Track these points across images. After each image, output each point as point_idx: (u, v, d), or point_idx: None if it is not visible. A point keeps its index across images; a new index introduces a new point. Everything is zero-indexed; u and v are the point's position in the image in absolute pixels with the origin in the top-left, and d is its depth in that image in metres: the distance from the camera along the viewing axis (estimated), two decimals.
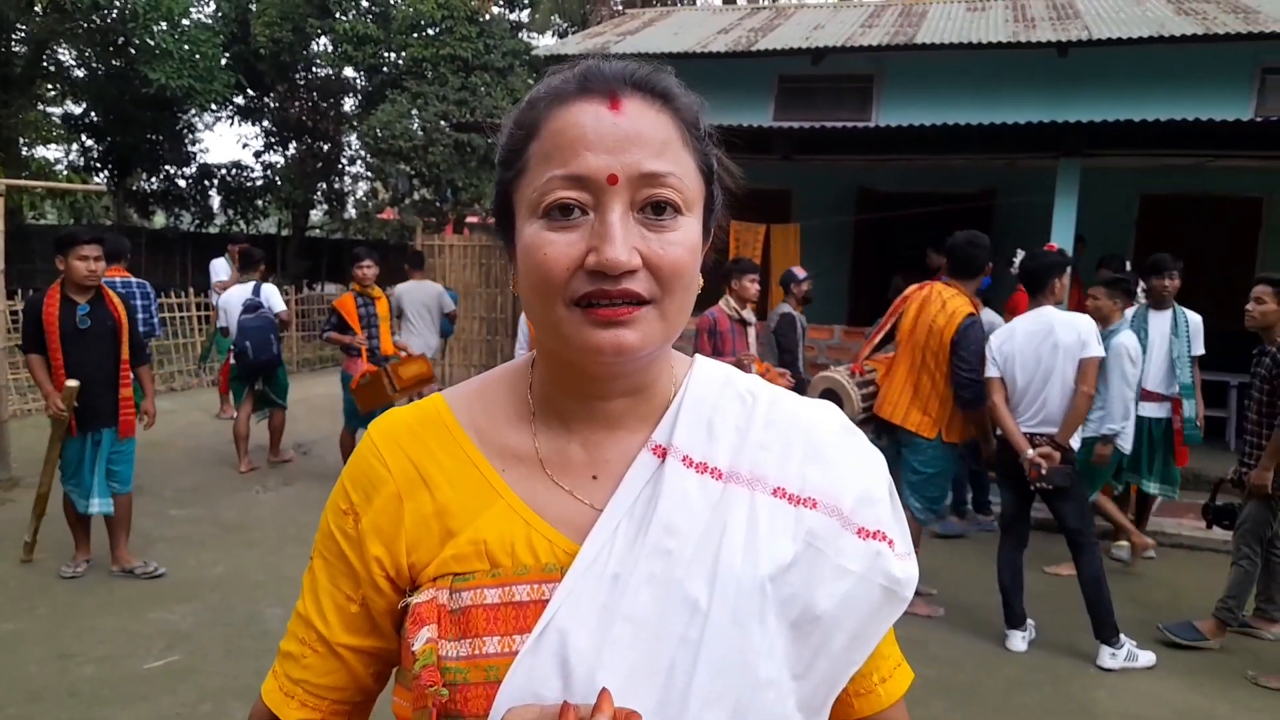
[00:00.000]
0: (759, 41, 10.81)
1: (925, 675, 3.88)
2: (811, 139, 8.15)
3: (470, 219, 18.72)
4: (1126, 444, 4.99)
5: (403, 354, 6.85)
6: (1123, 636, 4.20)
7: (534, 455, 0.84)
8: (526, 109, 0.80)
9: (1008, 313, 8.50)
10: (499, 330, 11.00)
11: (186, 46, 14.79)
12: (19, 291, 8.65)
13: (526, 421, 0.86)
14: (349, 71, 19.47)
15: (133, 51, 15.17)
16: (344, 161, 22.02)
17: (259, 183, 21.04)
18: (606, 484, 0.82)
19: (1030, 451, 4.17)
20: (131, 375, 4.86)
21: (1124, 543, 5.74)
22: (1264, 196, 9.35)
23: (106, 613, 4.39)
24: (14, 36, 15.50)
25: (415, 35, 16.53)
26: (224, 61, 16.31)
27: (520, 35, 19.10)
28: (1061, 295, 4.47)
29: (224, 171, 20.67)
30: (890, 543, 0.84)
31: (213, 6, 18.26)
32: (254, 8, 17.72)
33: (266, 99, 20.43)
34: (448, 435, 0.85)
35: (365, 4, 18.22)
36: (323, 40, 18.66)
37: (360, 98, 20.14)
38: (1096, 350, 4.24)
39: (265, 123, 20.81)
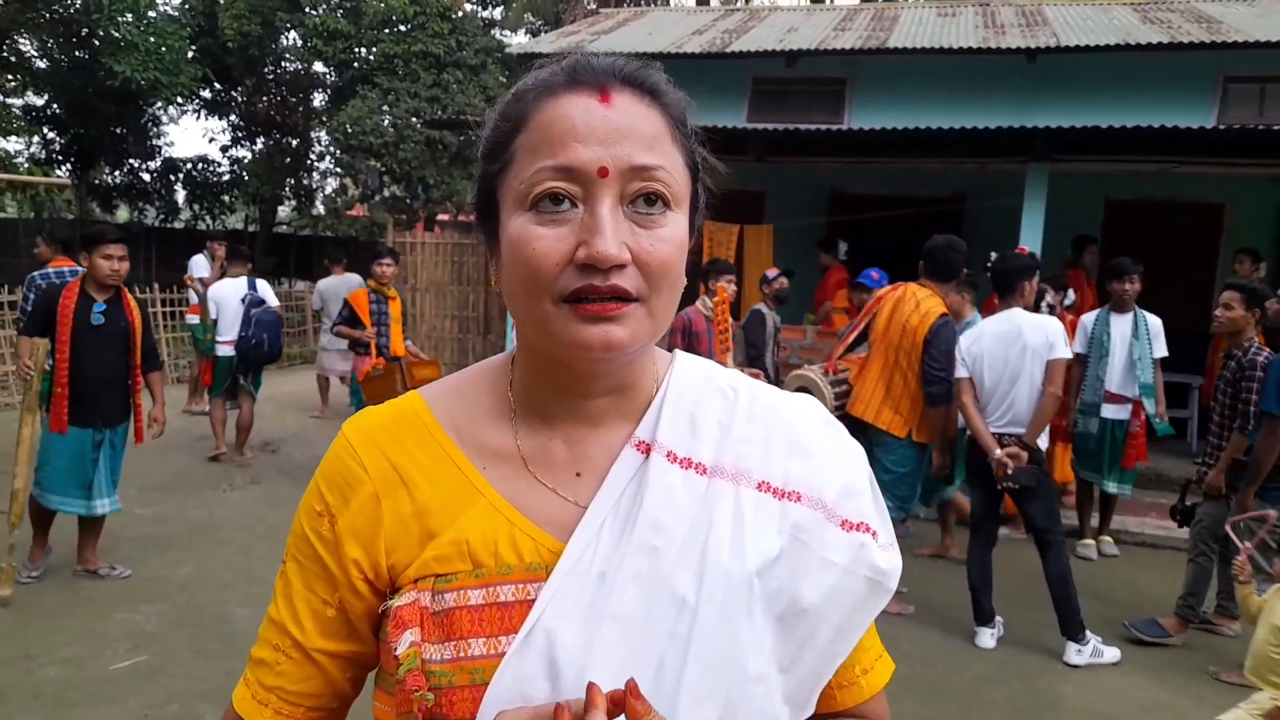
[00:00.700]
0: (733, 43, 10.85)
1: (896, 672, 3.88)
2: (785, 141, 8.20)
3: (441, 216, 18.61)
4: None
5: (414, 356, 6.82)
6: (1088, 633, 4.27)
7: (516, 453, 0.82)
8: (513, 101, 0.79)
9: (984, 313, 8.66)
10: (471, 328, 10.94)
11: (152, 39, 14.57)
12: None
13: (507, 419, 0.84)
14: (319, 66, 19.28)
15: (96, 43, 14.91)
16: (313, 157, 21.81)
17: (225, 178, 20.77)
18: (590, 481, 0.81)
19: (998, 451, 4.23)
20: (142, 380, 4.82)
21: (1089, 541, 5.85)
22: (1226, 202, 9.55)
23: (70, 613, 4.31)
24: None
25: (387, 31, 16.42)
26: (191, 54, 16.10)
27: (493, 33, 19.04)
28: (1030, 298, 4.54)
29: (190, 166, 20.37)
30: (874, 534, 0.84)
31: None
32: (221, 0, 17.48)
33: (234, 93, 20.18)
34: (426, 434, 0.83)
35: None
36: (292, 34, 18.47)
37: (330, 93, 19.94)
38: (1064, 352, 4.31)
39: (232, 117, 20.55)
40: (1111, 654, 4.28)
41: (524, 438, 0.83)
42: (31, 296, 6.49)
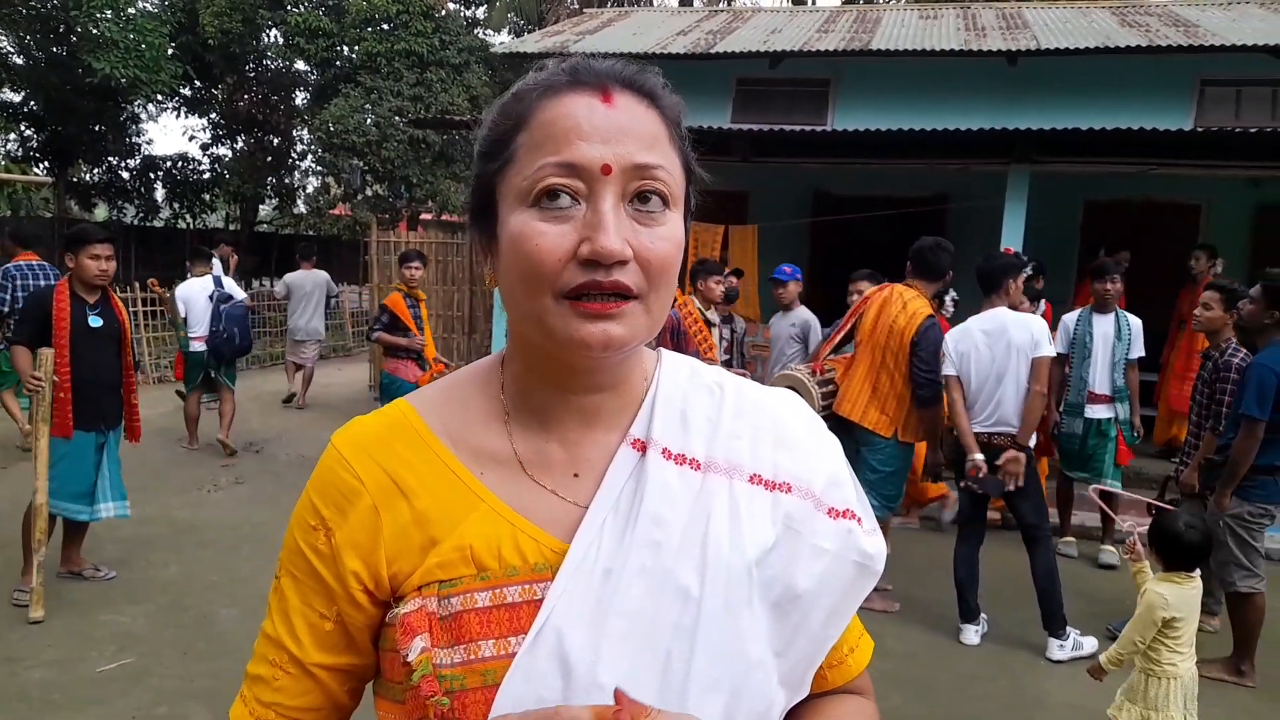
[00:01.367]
0: (717, 44, 10.89)
1: (883, 669, 3.96)
2: (769, 141, 8.25)
3: (424, 216, 18.54)
4: None
5: (440, 363, 6.74)
6: (1068, 627, 4.34)
7: (512, 456, 0.83)
8: (513, 101, 0.80)
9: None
10: (456, 328, 10.91)
11: (132, 35, 14.42)
12: None
13: (501, 422, 0.84)
14: (301, 65, 19.15)
15: (75, 39, 14.74)
16: (295, 156, 21.66)
17: (206, 176, 20.59)
18: (588, 481, 0.82)
19: (977, 455, 4.29)
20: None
21: (1070, 539, 5.92)
22: (1202, 204, 9.68)
23: (55, 615, 4.26)
24: None
25: (369, 29, 16.33)
26: (171, 52, 15.92)
27: (476, 32, 18.99)
28: (1017, 296, 4.59)
29: (169, 164, 20.17)
30: (859, 520, 0.87)
31: None
32: None
33: (214, 91, 20.02)
34: (419, 441, 0.83)
35: None
36: (274, 32, 18.33)
37: (312, 91, 19.81)
38: (1048, 350, 4.36)
39: (213, 115, 20.37)
40: (1090, 644, 4.34)
41: (519, 440, 0.83)
42: (9, 287, 6.59)
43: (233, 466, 7.28)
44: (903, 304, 4.57)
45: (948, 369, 4.48)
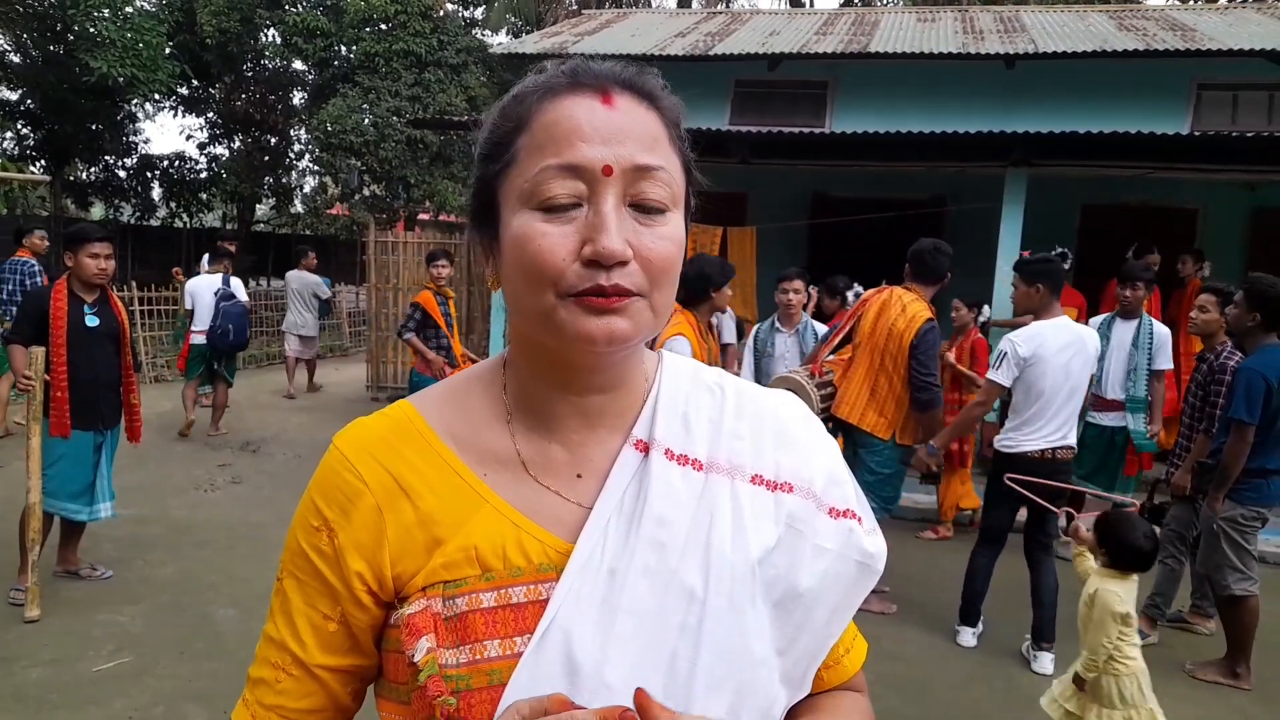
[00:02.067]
0: (716, 46, 10.90)
1: (880, 671, 3.96)
2: (767, 143, 8.25)
3: (422, 216, 18.53)
4: None
5: (468, 358, 6.73)
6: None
7: (515, 458, 0.83)
8: (513, 103, 0.80)
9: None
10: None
11: (129, 34, 14.39)
12: None
13: (503, 423, 0.85)
14: (298, 64, 19.14)
15: (72, 38, 14.70)
16: (292, 156, 21.63)
17: (203, 175, 20.54)
18: (591, 482, 0.82)
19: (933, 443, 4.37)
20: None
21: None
22: (1199, 207, 9.71)
23: (52, 615, 4.26)
24: None
25: (367, 30, 16.32)
26: (168, 51, 15.89)
27: (474, 33, 18.98)
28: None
29: (166, 163, 20.13)
30: (859, 520, 0.88)
31: None
32: None
33: (212, 90, 19.98)
34: (423, 442, 0.83)
35: None
36: (271, 32, 18.31)
37: (310, 91, 19.80)
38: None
39: (210, 114, 20.34)
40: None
41: (522, 441, 0.84)
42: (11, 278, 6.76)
43: (230, 466, 7.27)
44: (902, 307, 4.57)
45: (1000, 377, 4.27)
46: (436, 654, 0.74)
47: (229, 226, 22.02)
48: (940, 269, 4.65)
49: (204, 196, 20.90)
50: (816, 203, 10.26)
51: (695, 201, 0.86)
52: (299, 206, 23.32)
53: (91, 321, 4.51)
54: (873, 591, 1.02)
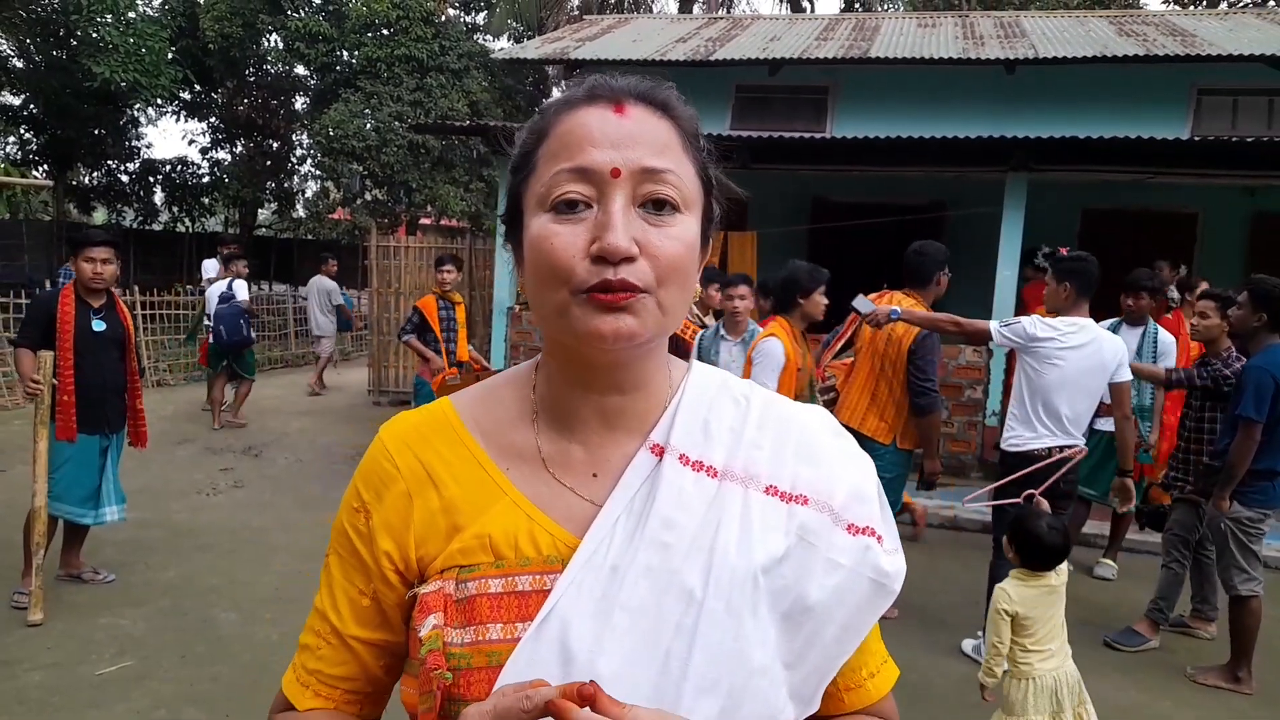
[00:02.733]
0: (717, 51, 10.93)
1: None
2: (768, 148, 8.28)
3: (423, 220, 18.56)
4: None
5: (476, 362, 6.76)
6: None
7: (537, 454, 0.87)
8: (538, 118, 0.85)
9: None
10: None
11: (132, 40, 14.44)
12: None
13: (529, 421, 0.89)
14: (300, 69, 19.18)
15: (75, 43, 14.75)
16: (294, 160, 21.67)
17: (205, 180, 20.60)
18: (606, 481, 0.85)
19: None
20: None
21: (1109, 561, 5.81)
22: (1199, 212, 9.73)
23: (53, 618, 4.26)
24: None
25: (369, 35, 16.36)
26: (171, 56, 15.95)
27: (476, 38, 19.02)
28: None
29: (169, 168, 20.19)
30: (879, 538, 0.87)
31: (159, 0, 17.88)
32: (202, 2, 17.36)
33: (214, 95, 20.03)
34: (454, 436, 0.89)
35: (318, 1, 17.97)
36: (274, 37, 18.35)
37: (312, 96, 19.85)
38: (1127, 374, 4.27)
39: (213, 119, 20.39)
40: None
41: (544, 439, 0.88)
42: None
43: (232, 470, 7.29)
44: None
45: (995, 332, 4.26)
46: (443, 632, 0.79)
47: (231, 231, 22.08)
48: (924, 270, 4.58)
49: (206, 201, 20.98)
50: (817, 207, 10.29)
51: (720, 209, 0.90)
52: (301, 211, 23.38)
53: (98, 326, 4.53)
54: None
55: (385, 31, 16.36)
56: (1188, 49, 9.60)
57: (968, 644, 4.47)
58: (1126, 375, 4.25)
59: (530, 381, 0.92)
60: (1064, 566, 3.19)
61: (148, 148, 20.54)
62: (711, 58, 10.64)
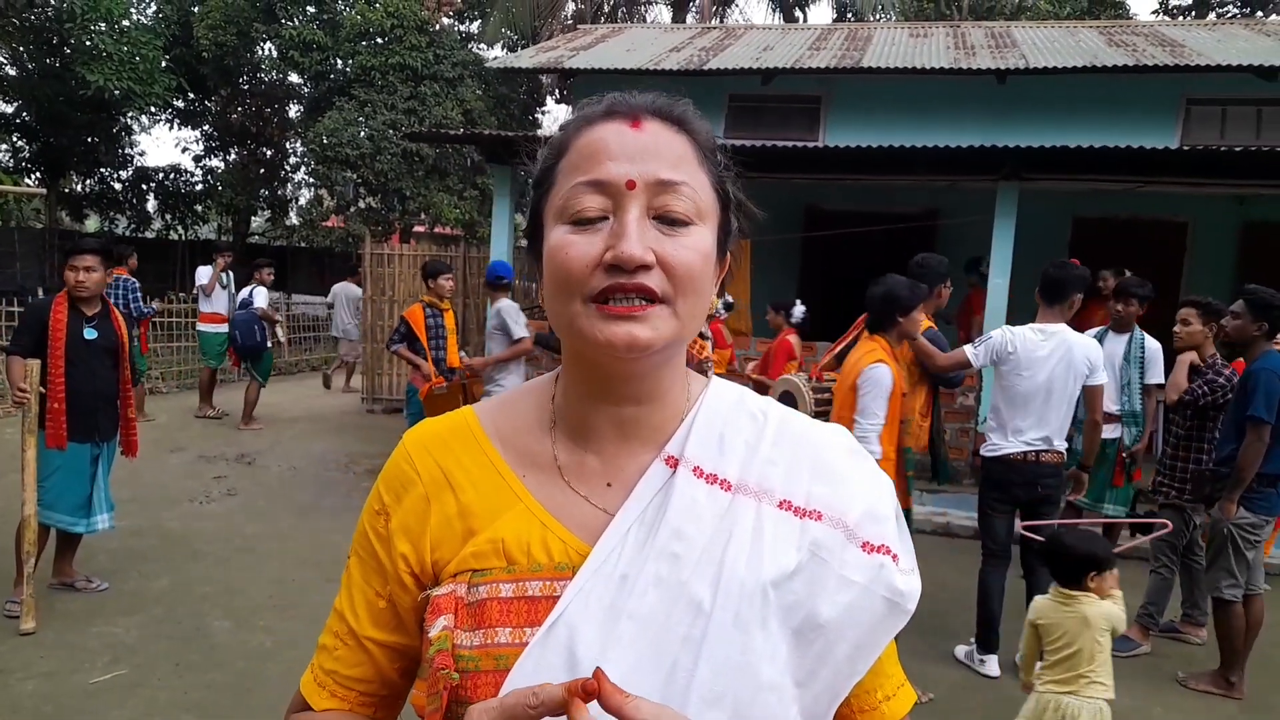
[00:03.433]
0: (710, 60, 10.99)
1: None
2: (761, 157, 8.30)
3: (417, 229, 18.57)
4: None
5: (468, 370, 6.70)
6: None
7: (553, 463, 0.89)
8: (558, 135, 0.87)
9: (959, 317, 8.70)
10: None
11: (126, 48, 14.45)
12: None
13: (547, 431, 0.91)
14: (294, 78, 19.19)
15: (69, 51, 14.75)
16: (288, 168, 21.66)
17: (198, 187, 20.57)
18: (620, 491, 0.86)
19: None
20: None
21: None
22: (1189, 220, 9.80)
23: (46, 627, 4.26)
24: None
25: (363, 43, 16.39)
26: (164, 64, 15.94)
27: (470, 47, 19.06)
28: (1071, 314, 4.37)
29: (162, 175, 20.16)
30: (895, 557, 0.87)
31: (154, 8, 17.85)
32: (196, 10, 17.36)
33: (208, 103, 20.02)
34: (474, 443, 0.91)
35: (312, 10, 17.99)
36: (268, 45, 18.36)
37: (306, 104, 19.85)
38: (1102, 378, 4.35)
39: (206, 127, 20.37)
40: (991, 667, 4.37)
41: (561, 448, 0.90)
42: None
43: (225, 479, 7.27)
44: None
45: (972, 355, 4.32)
46: (452, 633, 0.80)
47: (224, 238, 22.02)
48: (926, 282, 4.52)
49: (199, 209, 20.94)
50: (809, 216, 10.34)
51: (739, 223, 0.91)
52: (294, 219, 23.34)
53: (90, 334, 4.54)
54: None
55: (379, 40, 16.40)
56: (1177, 59, 9.67)
57: (960, 650, 4.50)
58: (1101, 379, 4.32)
59: (550, 391, 0.94)
60: (1101, 601, 3.12)
61: (141, 155, 20.63)
62: (705, 67, 10.69)
